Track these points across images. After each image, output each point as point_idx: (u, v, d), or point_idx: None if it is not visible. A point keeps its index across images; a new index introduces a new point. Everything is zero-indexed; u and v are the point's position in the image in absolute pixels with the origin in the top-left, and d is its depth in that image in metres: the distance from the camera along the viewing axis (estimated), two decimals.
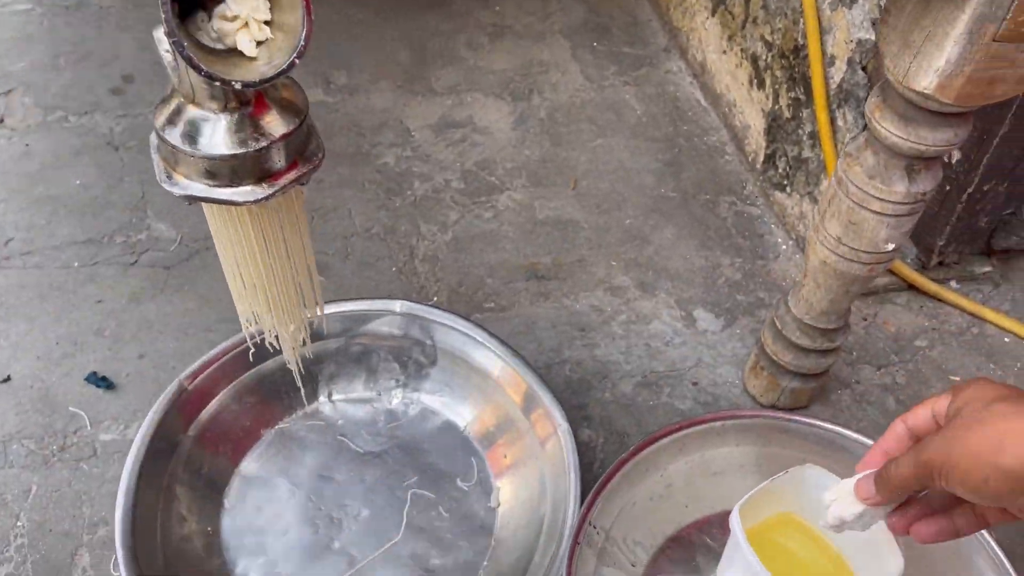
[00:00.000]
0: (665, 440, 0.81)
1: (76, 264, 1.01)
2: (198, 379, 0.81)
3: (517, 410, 0.84)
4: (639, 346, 0.97)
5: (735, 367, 0.95)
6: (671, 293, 1.03)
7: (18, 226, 1.05)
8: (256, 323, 0.64)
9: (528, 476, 0.82)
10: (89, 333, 0.94)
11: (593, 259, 1.06)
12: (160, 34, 0.50)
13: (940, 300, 1.02)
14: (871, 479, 0.50)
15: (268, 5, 0.39)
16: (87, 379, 0.90)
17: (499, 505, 0.82)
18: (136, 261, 1.02)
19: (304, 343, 0.68)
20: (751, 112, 1.16)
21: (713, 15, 1.24)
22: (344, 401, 0.89)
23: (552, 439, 0.80)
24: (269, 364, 0.84)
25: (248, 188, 0.49)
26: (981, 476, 0.41)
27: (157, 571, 0.70)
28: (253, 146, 0.47)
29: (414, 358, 0.89)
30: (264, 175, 0.49)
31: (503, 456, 0.85)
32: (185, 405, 0.80)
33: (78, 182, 1.11)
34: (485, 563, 0.78)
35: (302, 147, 0.51)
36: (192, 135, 0.47)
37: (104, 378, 0.90)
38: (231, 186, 0.49)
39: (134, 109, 1.21)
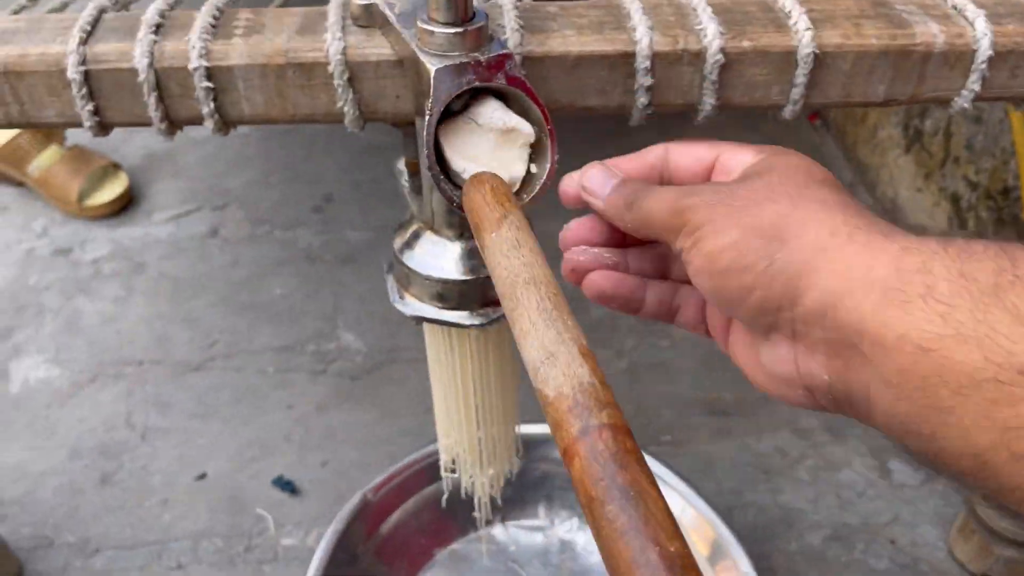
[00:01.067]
0: None
1: (271, 370, 1.07)
2: (381, 491, 0.82)
3: (699, 556, 0.79)
4: (828, 495, 0.91)
5: (938, 527, 0.87)
6: (863, 440, 0.96)
7: (223, 330, 1.13)
8: (454, 464, 0.64)
9: None
10: (278, 437, 0.98)
11: None
12: (400, 166, 0.54)
13: None
14: (608, 178, 0.35)
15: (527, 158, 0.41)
16: (274, 482, 0.93)
17: None
18: (325, 370, 1.07)
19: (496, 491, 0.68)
20: None
21: (907, 152, 1.21)
22: (518, 527, 0.87)
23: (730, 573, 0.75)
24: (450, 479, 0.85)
25: (473, 312, 0.50)
26: (747, 275, 0.29)
27: None
28: (483, 273, 0.49)
29: None
30: (488, 301, 0.50)
31: None
32: (368, 517, 0.80)
33: (278, 291, 1.18)
34: None
35: None
36: (427, 260, 0.49)
37: (289, 483, 0.92)
38: (457, 310, 0.50)
39: (332, 226, 1.30)
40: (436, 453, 0.85)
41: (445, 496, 0.76)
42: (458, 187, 0.42)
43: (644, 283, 0.37)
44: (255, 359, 1.08)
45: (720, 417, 1.00)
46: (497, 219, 0.35)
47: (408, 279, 0.50)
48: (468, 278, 0.49)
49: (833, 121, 1.45)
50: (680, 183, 0.36)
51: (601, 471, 0.24)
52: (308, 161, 1.42)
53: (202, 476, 0.94)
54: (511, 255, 0.33)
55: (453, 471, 0.69)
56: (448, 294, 0.49)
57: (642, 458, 0.25)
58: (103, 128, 0.47)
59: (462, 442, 0.64)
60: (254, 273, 1.22)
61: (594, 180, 0.36)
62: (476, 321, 0.50)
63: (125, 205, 1.31)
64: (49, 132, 1.32)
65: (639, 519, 0.23)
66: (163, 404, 1.03)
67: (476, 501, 0.72)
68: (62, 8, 0.50)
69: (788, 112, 0.46)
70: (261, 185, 1.38)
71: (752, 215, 0.30)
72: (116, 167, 1.33)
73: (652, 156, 0.37)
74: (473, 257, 0.49)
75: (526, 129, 0.41)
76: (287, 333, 1.12)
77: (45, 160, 1.30)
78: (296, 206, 1.33)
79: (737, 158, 0.35)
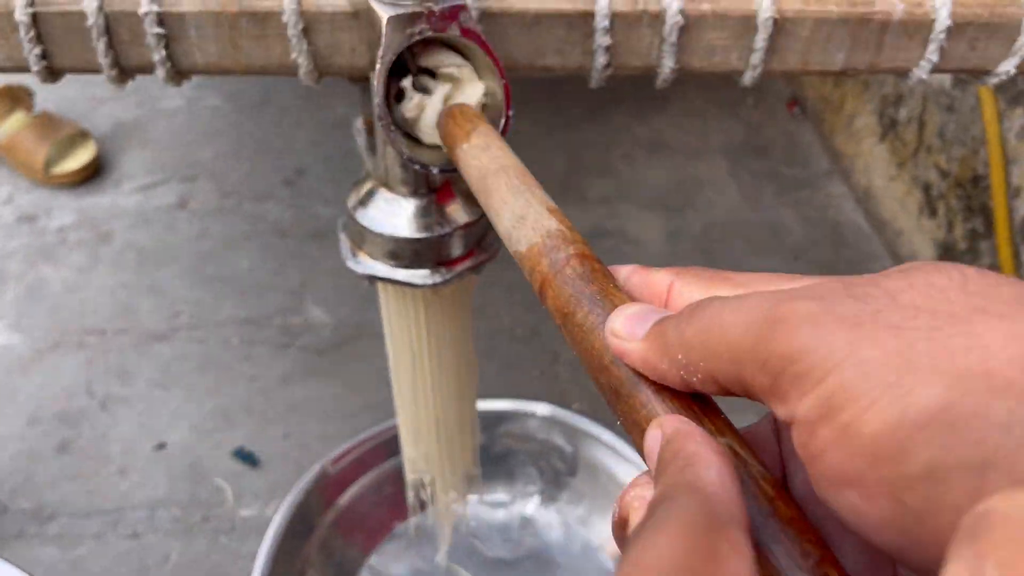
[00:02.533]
0: None
1: (236, 341, 1.06)
2: (340, 463, 0.81)
3: None
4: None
5: None
6: None
7: (188, 301, 1.11)
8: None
9: None
10: (240, 409, 0.97)
11: None
12: (359, 124, 0.53)
13: None
14: (655, 313, 0.23)
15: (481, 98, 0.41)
16: (234, 453, 0.92)
17: None
18: (291, 344, 1.06)
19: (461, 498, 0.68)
20: (920, 241, 1.11)
21: (882, 141, 1.21)
22: (480, 502, 0.87)
23: None
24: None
25: (426, 272, 0.49)
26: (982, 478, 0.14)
27: None
28: (436, 231, 0.48)
29: (553, 465, 0.86)
30: (442, 260, 0.50)
31: None
32: (326, 489, 0.80)
33: (245, 264, 1.17)
34: None
35: (480, 238, 0.51)
36: (380, 217, 0.49)
37: (250, 454, 0.92)
38: (410, 268, 0.49)
39: (302, 200, 1.28)
40: (395, 427, 0.84)
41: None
42: (413, 139, 0.42)
43: None
44: (220, 331, 1.07)
45: None
46: (466, 132, 0.36)
47: (361, 237, 0.50)
48: (421, 236, 0.48)
49: (811, 109, 1.45)
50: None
51: (571, 289, 0.26)
52: (279, 134, 1.41)
53: (162, 446, 0.93)
54: (480, 156, 0.35)
55: (422, 504, 0.68)
56: (401, 252, 0.49)
57: (608, 272, 0.27)
58: (52, 74, 0.45)
59: (419, 417, 0.64)
60: (222, 245, 1.20)
61: (629, 317, 0.23)
62: (430, 281, 0.49)
63: (92, 174, 1.29)
64: (16, 97, 1.29)
65: (606, 314, 0.24)
66: (125, 373, 1.01)
67: (440, 528, 0.73)
68: None
69: (747, 79, 0.45)
70: (231, 158, 1.36)
71: (955, 344, 0.15)
72: (84, 135, 1.31)
73: (657, 283, 0.25)
74: (427, 215, 0.48)
75: (478, 84, 0.40)
76: (254, 306, 1.11)
77: (11, 126, 1.28)
78: (266, 179, 1.32)
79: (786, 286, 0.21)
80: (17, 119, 1.28)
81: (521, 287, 1.15)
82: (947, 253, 1.05)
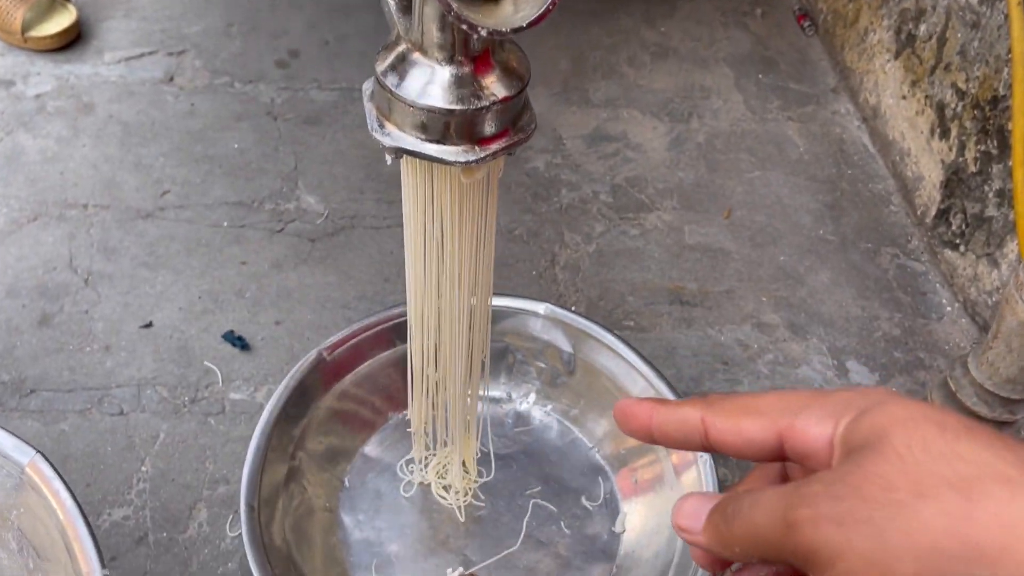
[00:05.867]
0: None
1: (225, 224, 1.02)
2: (337, 351, 0.79)
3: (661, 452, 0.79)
4: (786, 389, 0.91)
5: None
6: (823, 339, 0.97)
7: (175, 180, 1.07)
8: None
9: (659, 505, 0.77)
10: (230, 293, 0.95)
11: (742, 292, 1.01)
12: None
13: None
14: (705, 504, 0.27)
15: None
16: (224, 337, 0.89)
17: (624, 531, 0.78)
18: (282, 229, 1.02)
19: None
20: (928, 163, 1.09)
21: (896, 58, 1.18)
22: (476, 398, 0.86)
23: (690, 470, 0.75)
24: (407, 346, 0.82)
25: (459, 148, 0.46)
26: None
27: (277, 538, 0.69)
28: (473, 104, 0.45)
29: (551, 365, 0.85)
30: (476, 137, 0.47)
31: (633, 480, 0.80)
32: (322, 375, 0.78)
33: (236, 146, 1.13)
34: None
35: (517, 116, 0.48)
36: (412, 85, 0.45)
37: (240, 338, 0.89)
38: (441, 143, 0.46)
39: (295, 83, 1.23)
40: (396, 316, 0.82)
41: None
42: None
43: None
44: (209, 212, 1.03)
45: (684, 306, 0.99)
46: None
47: (390, 106, 0.46)
48: (456, 108, 0.45)
49: (822, 22, 1.41)
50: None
51: None
52: (274, 13, 1.34)
53: (148, 325, 0.90)
54: None
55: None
56: (433, 124, 0.46)
57: None
58: None
59: (432, 307, 0.62)
60: (211, 125, 1.15)
61: (687, 515, 0.27)
62: (462, 159, 0.46)
63: (73, 40, 1.22)
64: None
65: None
66: (109, 250, 0.98)
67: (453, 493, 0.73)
68: None
69: None
70: (222, 34, 1.29)
71: (912, 527, 0.21)
72: None
73: (756, 440, 0.27)
74: (463, 85, 0.45)
75: None
76: (244, 189, 1.07)
77: None
78: (258, 59, 1.26)
79: (813, 432, 0.25)
80: None
81: (521, 186, 1.12)
82: (954, 176, 1.03)
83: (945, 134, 1.06)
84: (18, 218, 1.00)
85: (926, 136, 1.10)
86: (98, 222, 1.01)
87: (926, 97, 1.10)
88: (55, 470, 0.47)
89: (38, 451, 0.47)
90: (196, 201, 1.05)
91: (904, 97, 1.16)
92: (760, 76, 1.35)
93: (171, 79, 1.21)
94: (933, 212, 1.07)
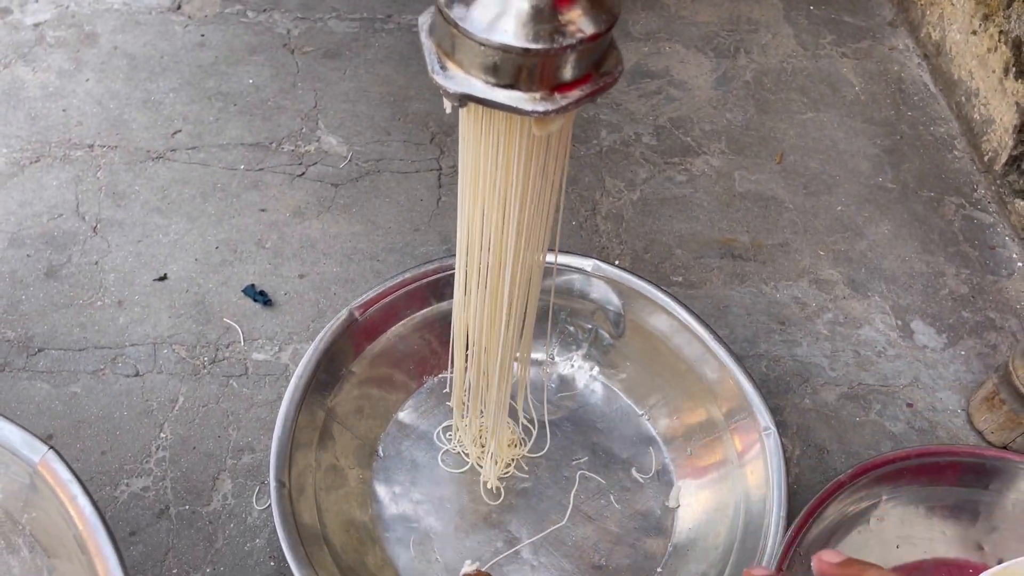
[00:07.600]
0: (888, 468, 0.69)
1: (242, 167, 0.95)
2: (369, 310, 0.73)
3: (713, 405, 0.73)
4: (846, 351, 0.85)
5: (958, 394, 0.82)
6: (886, 297, 0.90)
7: (186, 118, 0.99)
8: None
9: (718, 480, 0.71)
10: (250, 242, 0.88)
11: (797, 245, 0.94)
12: None
13: None
14: None
15: None
16: (245, 291, 0.83)
17: (678, 506, 0.72)
18: (303, 173, 0.95)
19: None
20: (999, 105, 1.01)
21: None
22: (516, 360, 0.80)
23: (755, 445, 0.69)
24: (444, 305, 0.76)
25: (535, 95, 0.39)
26: None
27: (307, 515, 0.63)
28: (557, 42, 0.37)
29: (598, 325, 0.79)
30: (554, 83, 0.39)
31: (688, 452, 0.74)
32: (354, 336, 0.72)
33: (251, 81, 1.04)
34: (659, 569, 0.69)
35: (601, 58, 0.41)
36: (482, 17, 0.38)
37: (262, 292, 0.83)
38: (513, 89, 0.39)
39: (313, 12, 1.14)
40: (431, 273, 0.76)
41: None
42: None
43: None
44: (224, 154, 0.96)
45: (736, 260, 0.92)
46: None
47: (453, 43, 0.39)
48: (533, 46, 0.38)
49: None
50: None
51: None
52: None
53: (163, 278, 0.84)
54: None
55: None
56: (505, 66, 0.38)
57: None
58: None
59: (483, 267, 0.55)
60: (223, 58, 1.07)
61: None
62: (540, 108, 0.39)
63: None
64: None
65: None
66: (118, 195, 0.91)
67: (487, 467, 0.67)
68: None
69: None
70: None
71: None
72: None
73: None
74: (542, 20, 0.38)
75: None
76: (261, 129, 0.99)
77: None
78: None
79: None
80: None
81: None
82: None
83: (1021, 74, 0.97)
84: (19, 159, 0.93)
85: (998, 75, 1.01)
86: (105, 164, 0.93)
87: (1000, 32, 1.01)
88: (70, 469, 0.41)
89: (51, 447, 0.41)
90: (210, 142, 0.97)
91: (974, 32, 1.06)
92: (811, 7, 1.25)
93: (179, 7, 1.12)
94: (1004, 158, 0.99)
